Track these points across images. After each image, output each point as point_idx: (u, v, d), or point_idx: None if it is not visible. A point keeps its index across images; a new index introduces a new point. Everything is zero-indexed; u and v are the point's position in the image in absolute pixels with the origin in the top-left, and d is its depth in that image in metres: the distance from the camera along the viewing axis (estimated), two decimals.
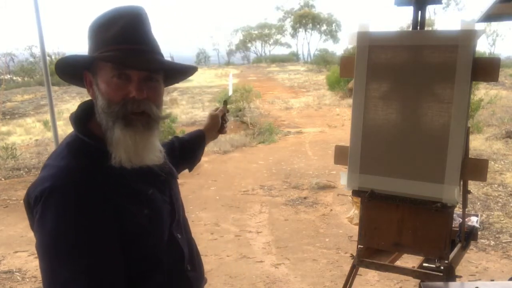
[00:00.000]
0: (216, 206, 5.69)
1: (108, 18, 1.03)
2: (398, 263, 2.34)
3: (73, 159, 1.01)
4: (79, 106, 1.11)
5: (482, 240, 4.40)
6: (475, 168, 1.92)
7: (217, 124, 1.71)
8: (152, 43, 1.05)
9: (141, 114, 1.02)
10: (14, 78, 29.75)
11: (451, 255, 2.02)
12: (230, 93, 2.14)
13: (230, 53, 49.89)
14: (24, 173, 7.65)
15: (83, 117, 1.08)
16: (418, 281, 1.99)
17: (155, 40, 1.06)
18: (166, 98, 16.67)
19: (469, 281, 3.25)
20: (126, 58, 0.99)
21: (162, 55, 1.08)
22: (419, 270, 2.04)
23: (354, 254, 2.20)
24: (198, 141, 1.66)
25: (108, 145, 1.02)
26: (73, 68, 1.07)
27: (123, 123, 1.00)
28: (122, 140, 0.99)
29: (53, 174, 0.98)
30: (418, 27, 2.03)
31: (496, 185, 6.07)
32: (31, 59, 30.43)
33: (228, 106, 1.82)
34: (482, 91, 12.36)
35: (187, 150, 1.58)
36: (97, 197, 0.97)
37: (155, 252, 1.09)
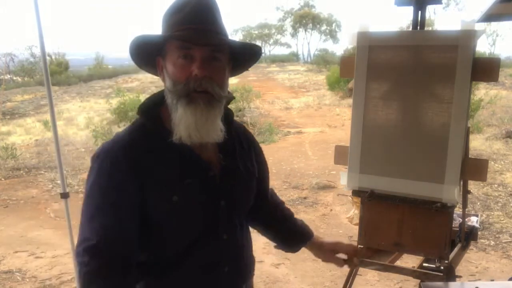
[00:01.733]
0: None
1: (179, 3, 1.07)
2: (398, 263, 2.34)
3: (126, 134, 1.12)
4: (153, 94, 1.18)
5: (482, 240, 4.40)
6: (475, 168, 1.92)
7: (331, 253, 1.55)
8: (218, 24, 1.08)
9: (204, 92, 1.05)
10: (14, 78, 29.77)
11: (451, 255, 2.02)
12: None
13: None
14: (24, 173, 7.65)
15: (151, 103, 1.14)
16: (418, 281, 1.98)
17: (222, 23, 1.09)
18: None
19: (469, 281, 3.25)
20: (189, 35, 1.03)
21: (227, 37, 1.10)
22: (419, 270, 2.04)
23: None
24: (294, 230, 1.48)
25: (172, 124, 1.07)
26: (148, 55, 1.12)
27: (186, 101, 1.04)
28: (183, 117, 1.04)
29: (106, 142, 1.12)
30: (418, 27, 2.03)
31: (496, 185, 6.07)
32: (31, 59, 30.45)
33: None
34: (482, 91, 12.36)
35: (274, 219, 1.45)
36: (127, 169, 1.05)
37: (182, 243, 1.13)
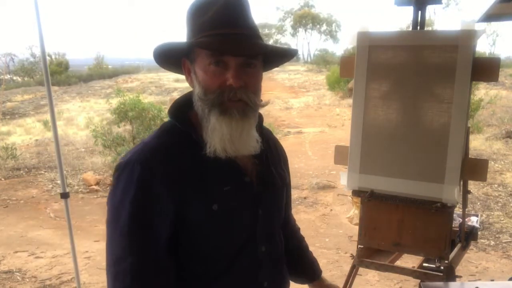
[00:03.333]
0: None
1: (205, 1, 0.98)
2: (398, 263, 2.34)
3: (156, 138, 1.02)
4: (180, 96, 1.09)
5: (482, 240, 4.40)
6: (475, 168, 1.92)
7: None
8: (251, 27, 0.99)
9: (238, 101, 0.97)
10: (14, 78, 29.77)
11: (451, 255, 2.02)
12: None
13: None
14: (24, 173, 7.65)
15: (182, 106, 1.06)
16: (418, 281, 1.98)
17: (254, 23, 1.00)
18: (166, 98, 16.68)
19: (469, 281, 3.25)
20: (223, 45, 0.94)
21: (261, 39, 1.02)
22: (419, 270, 2.04)
23: (354, 254, 2.20)
24: (307, 264, 1.38)
25: (204, 134, 0.99)
26: (172, 55, 1.04)
27: (219, 110, 0.96)
28: (217, 128, 0.96)
29: (134, 149, 1.01)
30: (418, 27, 2.03)
31: (496, 185, 6.07)
32: (32, 59, 30.45)
33: None
34: (482, 91, 12.35)
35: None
36: (159, 179, 0.96)
37: (222, 256, 1.04)
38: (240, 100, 0.97)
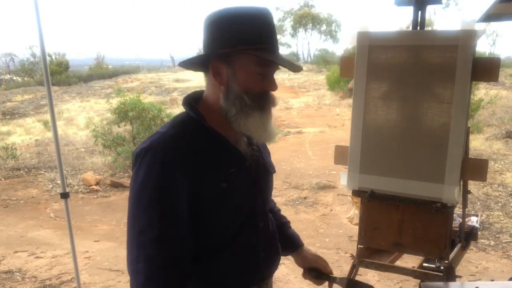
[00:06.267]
0: None
1: (246, 15, 1.18)
2: (398, 263, 2.34)
3: (172, 127, 1.20)
4: (189, 93, 1.30)
5: (482, 240, 4.40)
6: (475, 168, 1.92)
7: (309, 270, 1.53)
8: (278, 43, 1.23)
9: (271, 102, 1.22)
10: (14, 78, 29.76)
11: (451, 255, 2.02)
12: None
13: None
14: (24, 173, 7.65)
15: (191, 100, 1.25)
16: (418, 281, 1.99)
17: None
18: (166, 98, 16.68)
19: (469, 281, 3.25)
20: (271, 56, 1.17)
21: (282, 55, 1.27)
22: (419, 270, 2.04)
23: (354, 254, 2.20)
24: (285, 237, 1.53)
25: (236, 126, 1.19)
26: (201, 56, 1.22)
27: (261, 110, 1.19)
28: (258, 121, 1.19)
29: (153, 137, 1.18)
30: (418, 27, 2.03)
31: (496, 185, 6.07)
32: (32, 59, 30.44)
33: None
34: (482, 91, 12.35)
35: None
36: (179, 161, 1.12)
37: (229, 229, 1.22)
38: (273, 101, 1.22)
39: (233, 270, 1.25)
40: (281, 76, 24.51)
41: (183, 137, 1.17)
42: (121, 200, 6.14)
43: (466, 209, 2.13)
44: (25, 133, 11.98)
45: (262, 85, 1.19)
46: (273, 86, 1.22)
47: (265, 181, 1.36)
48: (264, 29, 1.18)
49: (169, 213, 1.11)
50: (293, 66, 1.25)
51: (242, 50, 1.16)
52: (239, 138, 1.26)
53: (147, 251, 1.10)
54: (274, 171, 1.43)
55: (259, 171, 1.31)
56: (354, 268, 2.22)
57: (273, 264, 1.38)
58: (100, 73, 28.59)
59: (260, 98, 1.20)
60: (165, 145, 1.14)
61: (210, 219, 1.19)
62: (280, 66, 1.20)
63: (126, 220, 1.17)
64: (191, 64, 1.25)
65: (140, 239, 1.11)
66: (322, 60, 28.81)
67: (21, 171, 7.74)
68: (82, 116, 13.88)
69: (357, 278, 2.36)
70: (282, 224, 1.57)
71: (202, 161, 1.15)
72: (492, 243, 4.38)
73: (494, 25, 31.50)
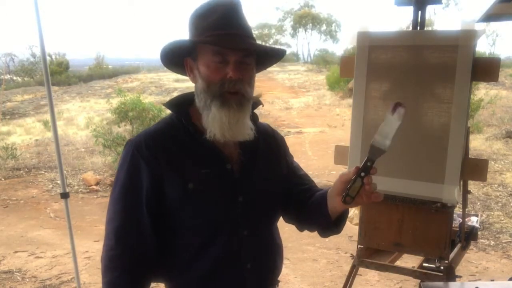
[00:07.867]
0: None
1: (207, 8, 1.16)
2: (398, 263, 2.34)
3: (156, 125, 1.24)
4: (181, 94, 1.28)
5: (482, 240, 4.40)
6: (475, 168, 1.92)
7: (339, 188, 1.19)
8: (247, 29, 1.17)
9: (235, 93, 1.13)
10: (14, 78, 29.76)
11: (451, 255, 2.02)
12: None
13: None
14: (24, 173, 7.65)
15: (182, 101, 1.23)
16: (418, 281, 1.99)
17: (249, 27, 1.19)
18: (166, 98, 16.68)
19: (469, 281, 3.25)
20: (223, 40, 1.11)
21: (254, 39, 1.19)
22: (419, 270, 2.04)
23: (354, 254, 2.20)
24: (314, 201, 1.30)
25: (204, 122, 1.15)
26: (176, 56, 1.20)
27: (220, 102, 1.12)
28: (217, 117, 1.12)
29: (137, 133, 1.22)
30: (418, 27, 2.03)
31: (496, 185, 6.07)
32: (32, 59, 30.43)
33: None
34: (482, 91, 12.35)
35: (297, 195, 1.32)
36: (146, 157, 1.14)
37: (198, 233, 1.18)
38: (238, 93, 1.13)
39: (212, 272, 1.18)
40: (281, 76, 24.53)
41: (160, 135, 1.18)
42: None
43: (466, 209, 2.13)
44: (25, 133, 11.97)
45: (222, 73, 1.12)
46: (234, 71, 1.11)
47: (260, 189, 1.22)
48: (221, 16, 1.12)
49: (132, 206, 1.15)
50: (269, 50, 1.19)
51: (197, 42, 1.14)
52: (229, 140, 1.16)
53: (109, 242, 1.14)
54: (274, 177, 1.27)
55: (247, 176, 1.20)
56: (354, 268, 2.22)
57: (264, 280, 1.27)
58: (100, 73, 28.58)
59: (219, 88, 1.12)
60: (139, 141, 1.17)
61: (180, 217, 1.17)
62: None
63: None
64: (174, 66, 1.24)
65: (107, 229, 1.16)
66: (322, 60, 28.81)
67: (21, 171, 7.74)
68: (82, 116, 13.88)
69: (357, 278, 2.36)
70: (320, 197, 1.30)
71: (172, 158, 1.15)
72: (492, 243, 4.38)
73: (494, 25, 31.51)
